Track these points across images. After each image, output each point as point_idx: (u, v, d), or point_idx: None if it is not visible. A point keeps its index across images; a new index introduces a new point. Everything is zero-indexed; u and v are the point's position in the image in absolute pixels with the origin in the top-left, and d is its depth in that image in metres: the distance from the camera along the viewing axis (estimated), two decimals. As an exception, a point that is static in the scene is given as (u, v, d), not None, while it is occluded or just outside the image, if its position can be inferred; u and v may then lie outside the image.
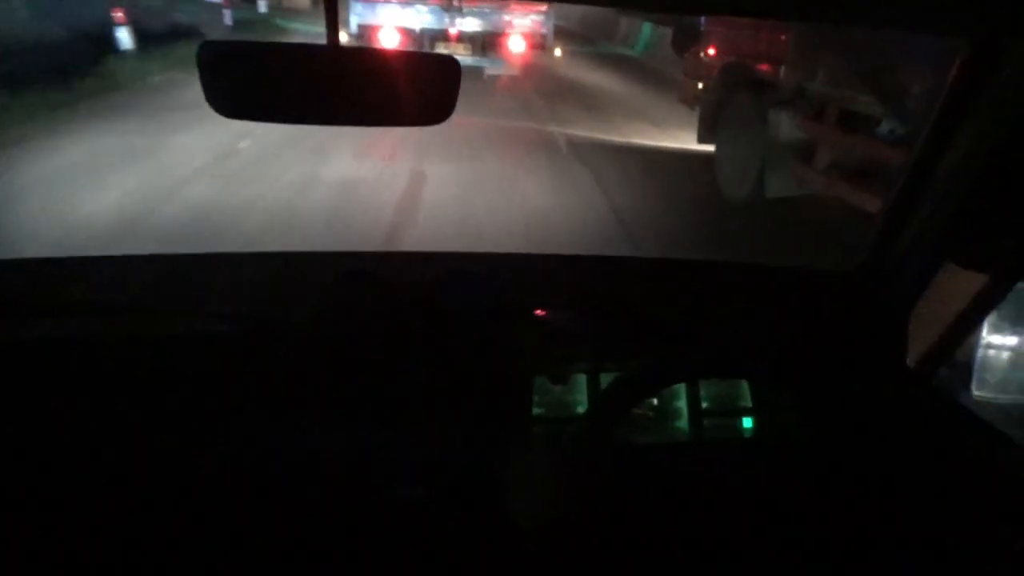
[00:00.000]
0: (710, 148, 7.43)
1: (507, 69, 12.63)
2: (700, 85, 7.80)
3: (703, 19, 7.79)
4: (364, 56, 0.99)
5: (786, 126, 6.04)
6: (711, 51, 7.63)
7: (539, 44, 13.41)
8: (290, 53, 0.96)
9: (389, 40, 11.76)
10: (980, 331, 1.42)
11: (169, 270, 1.44)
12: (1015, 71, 1.07)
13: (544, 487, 1.06)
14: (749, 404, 1.38)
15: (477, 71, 12.10)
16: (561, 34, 16.60)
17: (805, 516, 1.23)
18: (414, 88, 0.97)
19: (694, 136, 7.65)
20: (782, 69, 6.15)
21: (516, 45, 12.62)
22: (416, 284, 1.33)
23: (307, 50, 0.96)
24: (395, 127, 1.01)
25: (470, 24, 12.32)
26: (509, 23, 12.48)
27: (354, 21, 12.24)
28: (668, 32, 19.07)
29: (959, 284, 1.21)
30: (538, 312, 1.36)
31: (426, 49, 11.84)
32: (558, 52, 16.04)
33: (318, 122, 0.99)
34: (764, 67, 6.42)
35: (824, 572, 1.21)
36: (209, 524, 1.21)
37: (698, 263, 1.73)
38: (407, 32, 12.01)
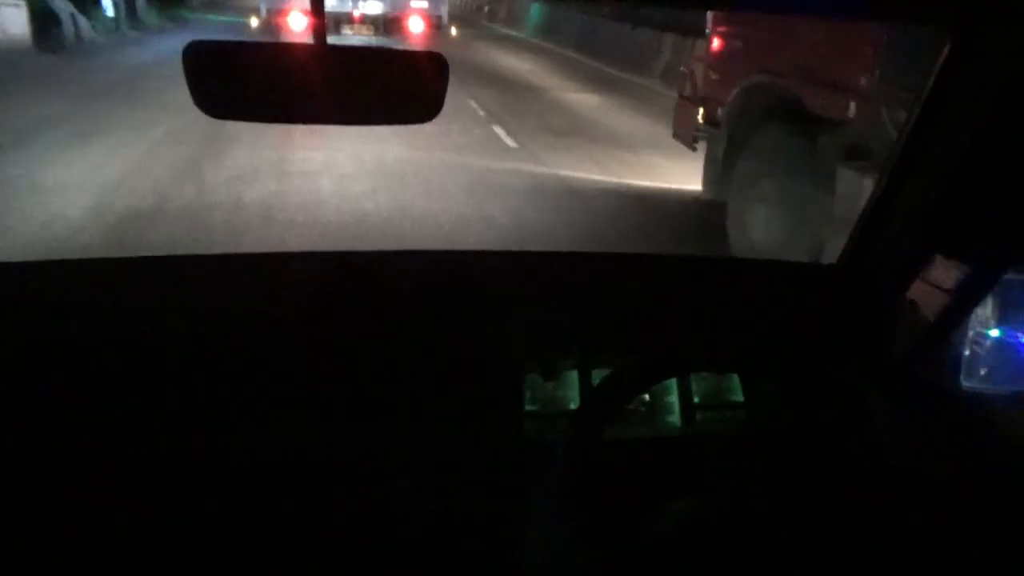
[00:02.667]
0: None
1: (407, 47, 13.31)
2: (702, 113, 5.48)
3: (709, 12, 5.47)
4: (352, 54, 0.97)
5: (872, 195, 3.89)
6: (725, 62, 5.27)
7: (436, 24, 14.93)
8: (277, 52, 0.95)
9: (297, 23, 12.28)
10: (968, 322, 1.37)
11: (158, 271, 1.42)
12: (997, 62, 1.07)
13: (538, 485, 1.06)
14: (739, 398, 1.39)
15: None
16: (452, 16, 18.34)
17: (793, 508, 1.13)
18: (402, 86, 0.96)
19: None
20: (854, 103, 4.01)
21: (415, 25, 13.84)
22: (405, 282, 1.35)
23: (295, 49, 0.96)
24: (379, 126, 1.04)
25: (372, 7, 13.21)
26: (407, 4, 13.69)
27: (263, 6, 13.38)
28: (559, 13, 20.28)
29: (946, 275, 1.22)
30: (528, 308, 1.34)
31: (330, 31, 15.68)
32: (453, 31, 17.65)
33: (306, 121, 1.00)
34: (821, 94, 4.25)
35: (814, 563, 1.10)
36: (201, 520, 1.21)
37: (686, 258, 1.92)
38: None
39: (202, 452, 1.22)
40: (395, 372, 1.28)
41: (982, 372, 1.43)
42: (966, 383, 1.42)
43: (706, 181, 5.35)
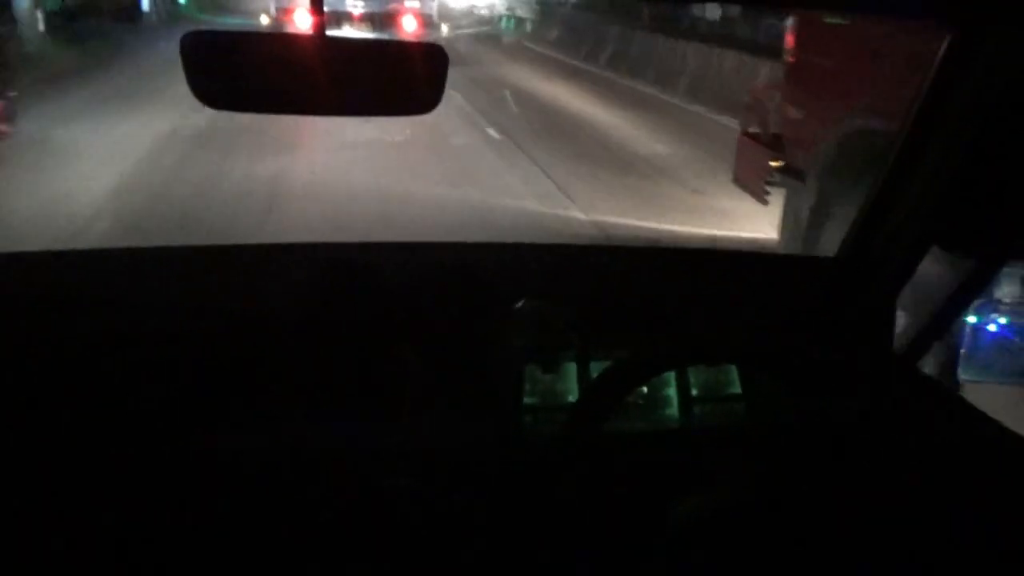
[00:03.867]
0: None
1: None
2: (776, 157, 4.27)
3: (789, 21, 4.30)
4: (350, 46, 0.97)
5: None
6: (813, 94, 4.09)
7: (427, 22, 16.46)
8: (276, 43, 0.95)
9: (302, 21, 13.21)
10: (966, 314, 1.38)
11: (154, 263, 1.42)
12: (998, 58, 1.08)
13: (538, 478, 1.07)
14: (737, 391, 1.38)
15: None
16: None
17: (791, 502, 1.11)
18: (400, 77, 0.97)
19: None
20: None
21: (408, 23, 15.03)
22: (404, 276, 1.36)
23: (294, 40, 0.96)
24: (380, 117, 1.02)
25: (370, 5, 14.80)
26: (401, 3, 15.17)
27: (273, 4, 15.40)
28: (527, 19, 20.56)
29: (945, 268, 1.23)
30: (527, 301, 1.33)
31: (331, 28, 13.67)
32: (444, 29, 18.34)
33: (305, 112, 0.99)
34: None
35: (811, 557, 1.08)
36: (199, 517, 1.19)
37: (685, 251, 1.98)
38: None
39: (200, 449, 1.20)
40: (393, 365, 1.28)
41: (980, 364, 1.44)
42: (964, 375, 1.45)
43: (784, 243, 4.27)
